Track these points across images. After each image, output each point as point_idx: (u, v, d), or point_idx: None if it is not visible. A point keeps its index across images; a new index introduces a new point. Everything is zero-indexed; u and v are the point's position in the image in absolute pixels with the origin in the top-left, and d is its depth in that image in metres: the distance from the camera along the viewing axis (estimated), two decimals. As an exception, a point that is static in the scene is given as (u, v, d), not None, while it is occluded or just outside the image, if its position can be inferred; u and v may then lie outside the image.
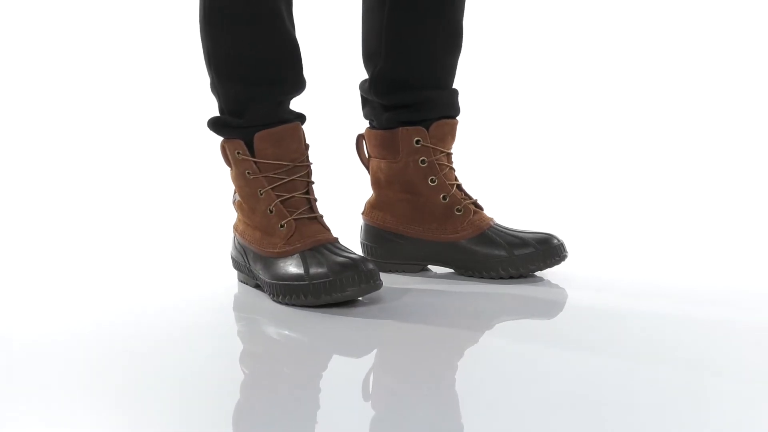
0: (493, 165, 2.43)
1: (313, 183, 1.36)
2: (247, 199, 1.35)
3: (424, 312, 1.26)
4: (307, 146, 1.36)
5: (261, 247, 1.33)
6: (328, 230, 1.34)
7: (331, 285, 1.24)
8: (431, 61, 1.43)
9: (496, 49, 2.66)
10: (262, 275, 1.32)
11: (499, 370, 1.04)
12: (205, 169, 2.52)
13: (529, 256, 1.39)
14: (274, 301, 1.30)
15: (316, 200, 1.35)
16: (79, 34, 2.80)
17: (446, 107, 1.45)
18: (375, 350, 1.15)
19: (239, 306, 1.36)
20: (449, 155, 1.46)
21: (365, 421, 0.90)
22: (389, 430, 0.88)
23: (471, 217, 1.43)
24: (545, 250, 1.39)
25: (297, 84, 1.36)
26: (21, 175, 2.48)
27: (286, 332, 1.22)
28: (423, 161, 1.43)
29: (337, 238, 1.33)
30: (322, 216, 1.35)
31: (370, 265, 1.26)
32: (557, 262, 1.41)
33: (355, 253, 1.29)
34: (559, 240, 1.41)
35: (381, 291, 1.30)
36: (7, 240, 1.87)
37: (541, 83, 2.75)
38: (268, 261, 1.32)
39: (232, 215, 1.45)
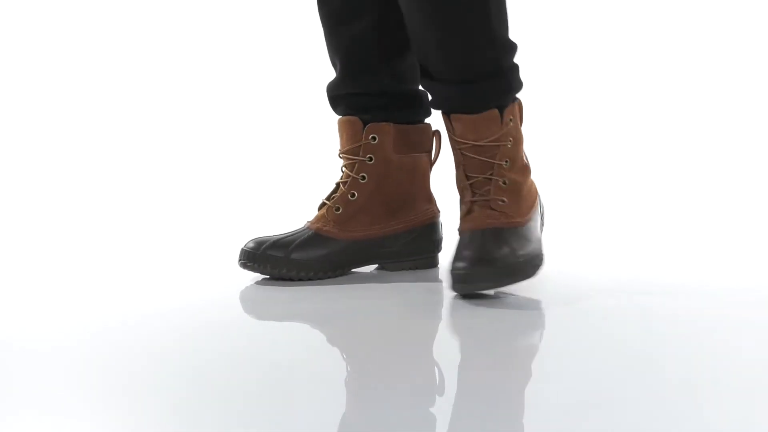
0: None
1: (355, 177, 1.43)
2: None
3: (422, 312, 1.27)
4: (363, 144, 1.43)
5: None
6: (320, 219, 1.43)
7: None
8: None
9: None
10: None
11: (495, 371, 1.04)
12: (212, 170, 2.53)
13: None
14: None
15: (346, 191, 1.43)
16: (81, 35, 2.80)
17: None
18: (376, 351, 1.16)
19: (247, 306, 1.37)
20: None
21: (367, 422, 0.91)
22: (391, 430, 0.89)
23: None
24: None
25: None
26: (32, 179, 2.49)
27: (291, 332, 1.23)
28: None
29: (317, 226, 1.42)
30: (334, 207, 1.43)
31: (251, 247, 1.40)
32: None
33: (273, 236, 1.41)
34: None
35: (390, 290, 1.32)
36: (18, 243, 1.87)
37: (534, 81, 2.74)
38: None
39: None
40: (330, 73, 1.49)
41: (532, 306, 1.31)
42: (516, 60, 1.38)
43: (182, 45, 2.80)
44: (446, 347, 1.15)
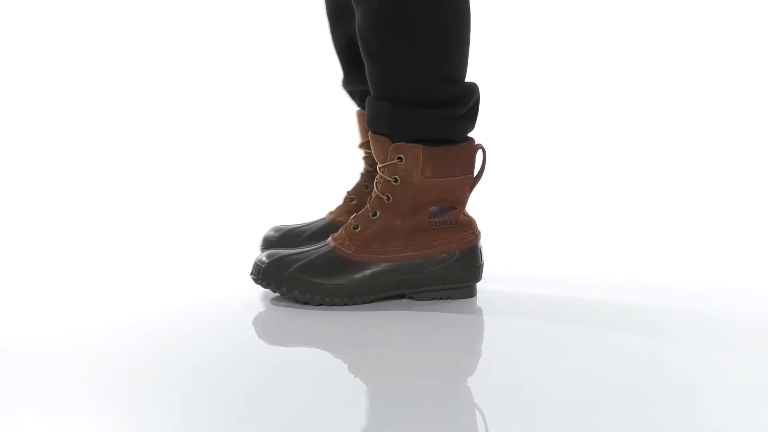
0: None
1: (369, 169, 1.49)
2: None
3: (419, 314, 1.28)
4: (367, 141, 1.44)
5: None
6: (341, 212, 1.48)
7: None
8: None
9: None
10: None
11: (491, 371, 1.04)
12: (219, 171, 2.53)
13: None
14: None
15: (362, 183, 1.50)
16: (84, 36, 2.80)
17: None
18: (378, 351, 1.16)
19: (248, 307, 1.37)
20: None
21: (367, 422, 0.91)
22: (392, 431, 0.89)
23: None
24: None
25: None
26: (33, 178, 2.49)
27: (292, 332, 1.23)
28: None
29: (331, 217, 1.49)
30: (349, 198, 1.49)
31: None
32: None
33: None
34: None
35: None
36: (18, 243, 1.88)
37: (534, 81, 2.75)
38: None
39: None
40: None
41: (530, 306, 1.31)
42: (434, 112, 1.27)
43: (190, 41, 2.80)
44: (443, 347, 1.15)
